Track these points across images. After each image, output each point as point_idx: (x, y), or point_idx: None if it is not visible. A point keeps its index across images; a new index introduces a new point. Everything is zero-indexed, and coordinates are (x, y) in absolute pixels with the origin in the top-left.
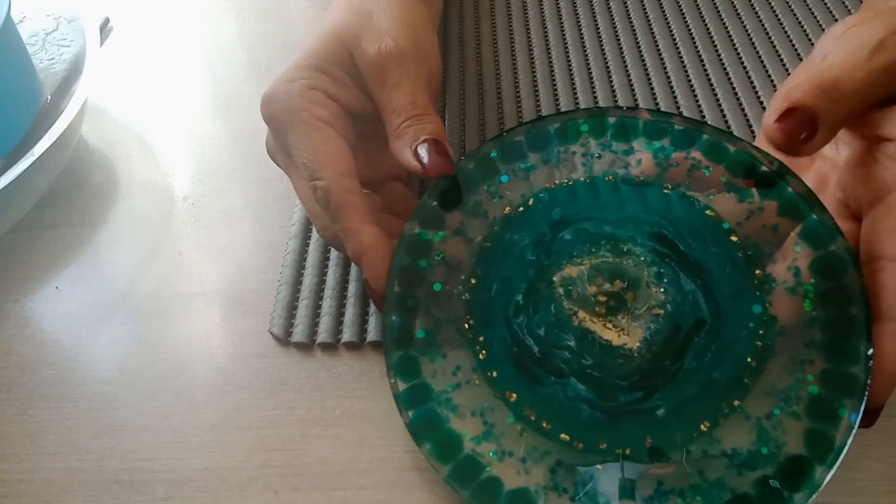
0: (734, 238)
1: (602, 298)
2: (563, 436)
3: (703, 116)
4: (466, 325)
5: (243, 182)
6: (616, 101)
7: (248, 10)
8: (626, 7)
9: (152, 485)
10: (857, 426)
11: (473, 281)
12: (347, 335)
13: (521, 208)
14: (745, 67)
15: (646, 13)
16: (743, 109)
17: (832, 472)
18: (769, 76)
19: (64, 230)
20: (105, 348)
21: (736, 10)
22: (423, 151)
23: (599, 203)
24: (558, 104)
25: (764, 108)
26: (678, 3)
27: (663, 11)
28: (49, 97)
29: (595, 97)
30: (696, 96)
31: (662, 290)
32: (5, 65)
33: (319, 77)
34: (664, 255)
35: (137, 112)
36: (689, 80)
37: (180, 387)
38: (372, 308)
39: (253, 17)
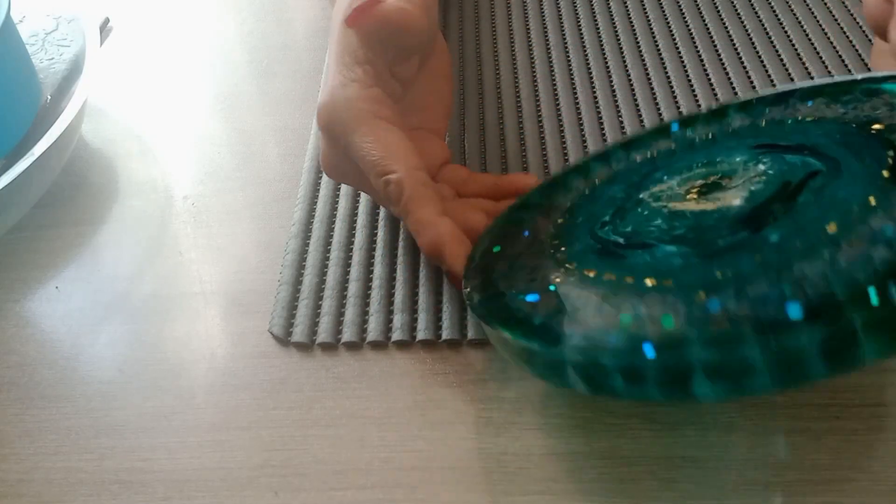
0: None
1: (694, 190)
2: (647, 280)
3: None
4: (549, 243)
5: (243, 182)
6: (616, 101)
7: (248, 10)
8: (626, 7)
9: (152, 485)
10: None
11: (560, 220)
12: (347, 335)
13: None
14: (745, 67)
15: (646, 13)
16: None
17: None
18: (769, 76)
19: (64, 230)
20: (105, 348)
21: (736, 10)
22: None
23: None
24: (558, 104)
25: None
26: (678, 3)
27: (663, 11)
28: (49, 97)
29: (595, 97)
30: (695, 96)
31: (764, 164)
32: (5, 65)
33: (370, 72)
34: (767, 148)
35: (137, 112)
36: (689, 80)
37: (180, 387)
38: (372, 308)
39: (253, 17)
